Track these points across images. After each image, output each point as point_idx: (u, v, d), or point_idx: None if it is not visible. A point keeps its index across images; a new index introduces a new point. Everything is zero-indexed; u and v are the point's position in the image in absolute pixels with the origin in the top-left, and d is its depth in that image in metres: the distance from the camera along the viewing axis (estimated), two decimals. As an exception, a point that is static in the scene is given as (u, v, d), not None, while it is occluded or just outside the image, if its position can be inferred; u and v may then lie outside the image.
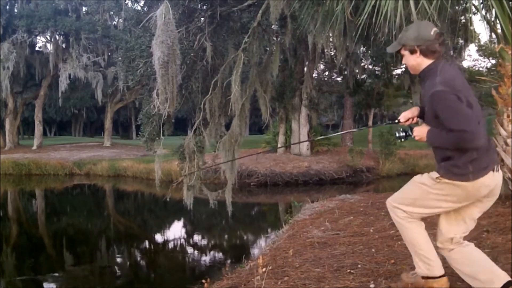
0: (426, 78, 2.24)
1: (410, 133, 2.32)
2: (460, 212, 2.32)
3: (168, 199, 9.98)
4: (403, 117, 2.41)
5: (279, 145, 17.47)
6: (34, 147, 24.44)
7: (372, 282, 2.68)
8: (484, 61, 32.49)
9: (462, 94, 2.09)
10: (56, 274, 6.55)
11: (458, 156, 2.14)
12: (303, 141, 16.52)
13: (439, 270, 2.34)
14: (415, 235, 2.35)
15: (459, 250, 2.32)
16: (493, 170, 2.19)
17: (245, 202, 12.66)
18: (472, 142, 2.06)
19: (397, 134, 2.42)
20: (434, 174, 2.23)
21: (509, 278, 2.18)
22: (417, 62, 2.25)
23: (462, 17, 8.34)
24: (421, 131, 2.25)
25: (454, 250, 2.32)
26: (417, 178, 2.34)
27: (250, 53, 8.19)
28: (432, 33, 2.20)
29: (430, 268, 2.34)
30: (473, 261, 2.30)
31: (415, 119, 2.40)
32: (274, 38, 11.22)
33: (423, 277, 2.37)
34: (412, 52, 2.24)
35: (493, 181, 2.20)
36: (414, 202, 2.31)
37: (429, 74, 2.22)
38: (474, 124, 2.04)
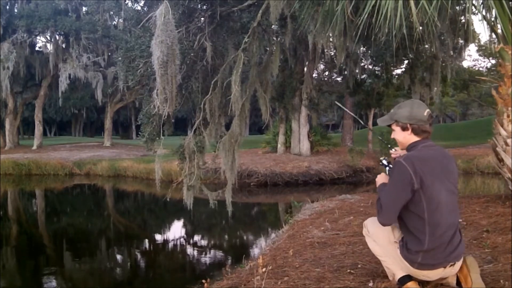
0: (408, 151, 2.42)
1: (387, 168, 2.56)
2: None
3: (168, 199, 9.98)
4: (395, 153, 2.59)
5: (279, 145, 17.48)
6: (34, 147, 24.44)
7: (371, 281, 2.68)
8: (484, 61, 32.50)
9: (422, 178, 2.21)
10: (56, 274, 6.55)
11: (411, 241, 2.31)
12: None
13: (400, 273, 2.46)
14: (374, 248, 2.56)
15: None
16: (445, 267, 2.30)
17: (245, 202, 12.66)
18: (380, 222, 2.38)
19: (383, 161, 2.65)
20: (399, 236, 2.44)
21: None
22: (406, 139, 2.41)
23: (462, 17, 8.35)
24: (382, 177, 2.51)
25: None
26: (389, 228, 2.49)
27: (250, 53, 8.19)
28: (425, 114, 2.34)
29: (392, 276, 2.51)
30: None
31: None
32: (274, 38, 11.23)
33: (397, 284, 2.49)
34: (404, 129, 2.39)
35: (440, 275, 2.34)
36: (376, 236, 2.53)
37: (410, 148, 2.40)
38: (390, 216, 2.31)
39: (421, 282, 2.43)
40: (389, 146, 2.72)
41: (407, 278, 2.42)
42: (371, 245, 2.59)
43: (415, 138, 2.37)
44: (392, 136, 2.49)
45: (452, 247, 2.28)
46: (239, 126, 7.85)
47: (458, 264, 2.34)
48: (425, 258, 2.26)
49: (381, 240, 2.49)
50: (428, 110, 2.37)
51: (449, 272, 2.33)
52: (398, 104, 2.53)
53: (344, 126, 22.54)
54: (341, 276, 2.87)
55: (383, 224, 2.38)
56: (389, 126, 2.49)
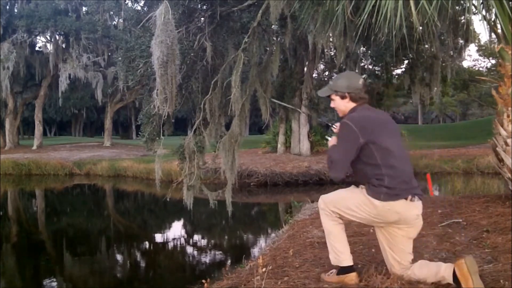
0: (348, 114, 2.68)
1: (331, 131, 2.90)
2: (391, 240, 2.68)
3: (168, 199, 9.98)
4: (337, 126, 2.81)
5: (279, 145, 17.47)
6: (34, 147, 24.45)
7: (371, 281, 2.68)
8: (484, 61, 32.54)
9: (365, 129, 2.50)
10: (56, 274, 6.55)
11: (373, 181, 2.54)
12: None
13: (347, 261, 2.71)
14: (329, 226, 2.78)
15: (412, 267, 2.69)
16: (406, 199, 2.53)
17: (245, 202, 12.66)
18: (332, 177, 2.68)
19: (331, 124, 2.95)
20: (362, 187, 2.64)
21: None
22: (346, 106, 2.70)
23: (462, 17, 8.35)
24: (333, 140, 2.74)
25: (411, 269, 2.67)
26: (351, 186, 2.74)
27: (250, 53, 8.19)
28: (360, 83, 2.67)
29: (338, 259, 2.73)
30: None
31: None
32: (274, 38, 11.23)
33: (338, 273, 2.74)
34: (343, 98, 2.68)
35: (404, 209, 2.54)
36: (338, 200, 2.73)
37: (351, 112, 2.67)
38: (340, 169, 2.60)
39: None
40: (331, 124, 3.05)
41: (351, 268, 2.70)
42: (328, 226, 2.78)
43: (353, 104, 2.67)
44: (332, 105, 2.77)
45: (411, 185, 2.56)
46: (239, 126, 7.85)
47: (419, 205, 2.59)
48: (390, 189, 2.50)
49: (348, 197, 2.68)
50: (362, 79, 2.71)
51: (410, 207, 2.54)
52: (335, 76, 2.87)
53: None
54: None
55: (335, 178, 2.65)
56: (329, 96, 2.77)
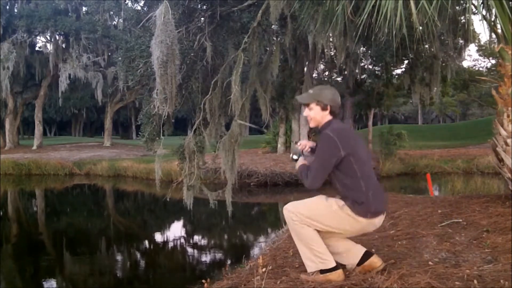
0: (323, 129, 2.76)
1: (301, 156, 2.89)
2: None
3: (168, 199, 9.97)
4: (301, 143, 2.97)
5: (279, 145, 17.45)
6: (34, 147, 24.45)
7: (370, 279, 2.68)
8: (484, 61, 32.53)
9: (345, 143, 2.60)
10: (56, 274, 6.55)
11: (356, 197, 2.62)
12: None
13: (332, 263, 2.71)
14: (308, 232, 2.71)
15: None
16: (384, 213, 2.74)
17: (245, 202, 12.65)
18: (307, 185, 2.68)
19: (293, 157, 2.93)
20: (340, 202, 2.66)
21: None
22: (322, 117, 2.78)
23: (462, 17, 8.35)
24: (300, 163, 2.83)
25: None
26: (323, 197, 2.74)
27: (250, 53, 8.17)
28: (339, 100, 2.81)
29: (323, 262, 2.70)
30: None
31: (307, 148, 2.93)
32: (274, 38, 11.22)
33: (321, 272, 2.71)
34: (324, 109, 2.76)
35: (380, 220, 2.73)
36: (314, 215, 2.69)
37: (326, 126, 2.76)
38: (319, 179, 2.64)
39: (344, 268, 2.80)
40: (295, 142, 3.03)
41: (337, 267, 2.71)
42: (303, 231, 2.70)
43: (329, 117, 2.78)
44: (306, 113, 2.84)
45: (382, 197, 2.72)
46: (239, 126, 7.85)
47: (383, 215, 2.76)
48: (375, 205, 2.63)
49: (323, 215, 2.68)
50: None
51: (381, 221, 2.75)
52: (319, 87, 2.90)
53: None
54: (341, 276, 2.86)
55: (312, 186, 2.65)
56: (306, 104, 2.82)
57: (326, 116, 2.77)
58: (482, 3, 4.77)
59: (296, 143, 3.04)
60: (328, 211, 2.67)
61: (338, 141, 2.59)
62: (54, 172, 18.99)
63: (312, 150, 2.90)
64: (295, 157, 2.92)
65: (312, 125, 2.86)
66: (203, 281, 3.35)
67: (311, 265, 2.74)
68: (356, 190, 2.62)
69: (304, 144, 2.95)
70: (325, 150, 2.63)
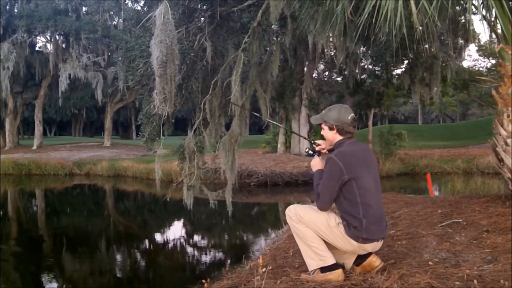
0: (333, 149, 2.85)
1: (316, 155, 3.00)
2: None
3: (168, 199, 9.97)
4: (320, 143, 3.06)
5: (279, 145, 17.46)
6: (34, 147, 24.45)
7: (370, 279, 2.68)
8: (484, 61, 32.53)
9: (350, 168, 2.65)
10: (56, 274, 6.55)
11: (352, 221, 2.67)
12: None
13: (331, 260, 2.76)
14: (307, 231, 2.79)
15: None
16: (378, 241, 2.76)
17: (245, 202, 12.65)
18: (318, 208, 2.77)
19: (307, 150, 3.05)
20: (338, 219, 2.75)
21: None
22: (333, 137, 2.86)
23: (462, 17, 8.35)
24: (316, 162, 2.94)
25: None
26: (325, 213, 2.80)
27: (250, 53, 8.17)
28: (349, 118, 2.80)
29: (323, 259, 2.76)
30: None
31: (324, 151, 3.03)
32: (274, 38, 11.22)
33: (321, 271, 2.76)
34: (331, 129, 2.84)
35: (372, 247, 2.77)
36: (312, 224, 2.76)
37: (336, 146, 2.83)
38: (327, 203, 2.73)
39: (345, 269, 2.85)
40: (312, 141, 3.17)
41: (336, 265, 2.75)
42: (303, 230, 2.79)
43: (339, 137, 2.83)
44: (322, 133, 2.93)
45: (382, 227, 2.75)
46: (239, 126, 7.84)
47: (381, 243, 2.83)
48: (367, 233, 2.66)
49: (321, 226, 2.75)
50: (352, 114, 2.82)
51: (374, 248, 2.79)
52: (329, 107, 2.96)
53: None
54: (341, 276, 2.86)
55: (322, 209, 2.76)
56: (319, 125, 2.93)
57: (335, 136, 2.84)
58: (482, 3, 4.77)
59: (314, 142, 3.11)
60: (326, 225, 2.74)
61: (342, 166, 2.65)
62: (54, 172, 18.99)
63: (329, 151, 2.97)
64: (310, 152, 3.01)
65: (327, 144, 2.97)
66: (203, 281, 3.35)
67: (312, 263, 2.79)
68: (352, 215, 2.67)
69: (322, 147, 3.04)
70: (330, 174, 2.70)
